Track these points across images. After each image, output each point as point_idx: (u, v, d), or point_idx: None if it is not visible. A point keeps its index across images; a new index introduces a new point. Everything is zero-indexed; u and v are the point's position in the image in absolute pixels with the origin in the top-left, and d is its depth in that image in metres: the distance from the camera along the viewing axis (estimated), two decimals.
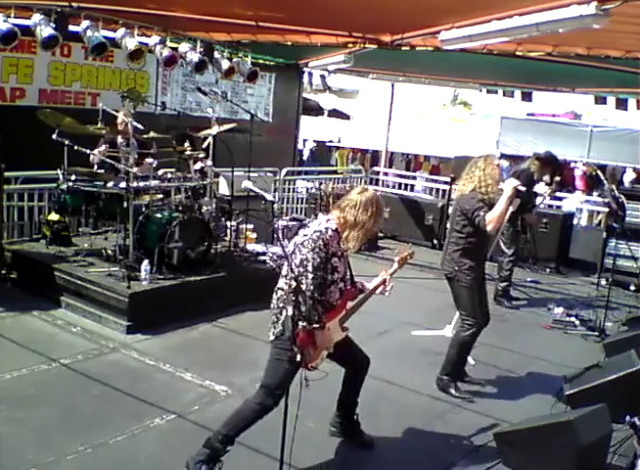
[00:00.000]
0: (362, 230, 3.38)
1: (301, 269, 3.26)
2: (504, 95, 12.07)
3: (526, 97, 11.74)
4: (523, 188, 4.62)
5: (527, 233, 7.63)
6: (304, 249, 3.28)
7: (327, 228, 3.35)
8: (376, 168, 13.41)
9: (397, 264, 4.01)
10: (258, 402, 3.42)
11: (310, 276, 3.24)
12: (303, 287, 3.21)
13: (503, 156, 16.46)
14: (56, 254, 6.35)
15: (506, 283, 7.32)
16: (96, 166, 6.37)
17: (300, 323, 3.17)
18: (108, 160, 6.08)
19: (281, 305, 3.37)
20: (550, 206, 9.97)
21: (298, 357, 3.16)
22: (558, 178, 7.64)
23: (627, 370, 4.29)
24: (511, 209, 4.77)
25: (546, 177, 7.51)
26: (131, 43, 6.46)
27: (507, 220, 6.92)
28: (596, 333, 6.29)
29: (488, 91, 12.27)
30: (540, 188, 7.63)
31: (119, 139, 6.25)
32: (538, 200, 7.61)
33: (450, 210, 9.83)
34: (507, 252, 7.28)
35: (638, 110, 10.73)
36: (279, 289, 3.41)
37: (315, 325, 3.17)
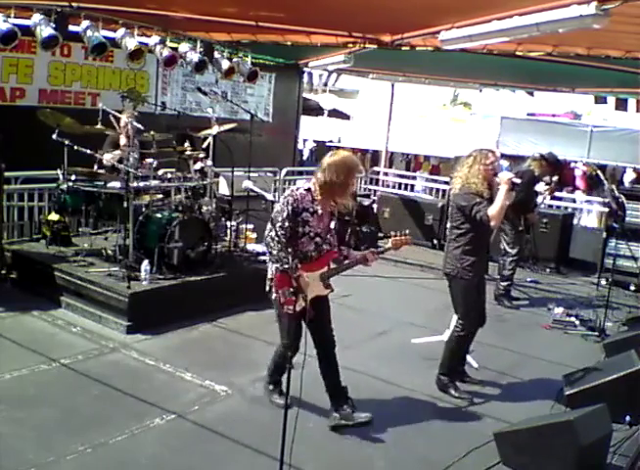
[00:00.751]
0: (335, 187, 3.85)
1: (274, 221, 3.85)
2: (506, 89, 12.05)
3: (529, 93, 11.74)
4: (517, 180, 4.61)
5: (530, 232, 7.63)
6: (279, 204, 3.91)
7: (299, 188, 3.97)
8: (376, 168, 13.40)
9: (391, 245, 4.12)
10: (279, 353, 4.19)
11: (278, 225, 3.82)
12: (272, 233, 3.83)
13: (503, 156, 16.46)
14: (56, 254, 6.35)
15: (507, 282, 7.32)
16: (96, 167, 6.38)
17: (274, 265, 3.86)
18: (120, 165, 6.03)
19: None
20: (550, 206, 9.96)
21: (281, 300, 3.83)
22: (556, 178, 7.65)
23: (627, 370, 4.29)
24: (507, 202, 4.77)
25: (546, 177, 7.53)
26: (131, 43, 6.46)
27: (509, 220, 6.94)
28: (596, 333, 6.29)
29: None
30: (539, 187, 7.64)
31: (122, 140, 6.26)
32: (539, 199, 7.63)
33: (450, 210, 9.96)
34: (510, 251, 7.27)
35: (638, 112, 10.74)
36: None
37: (286, 266, 3.76)
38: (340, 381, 4.15)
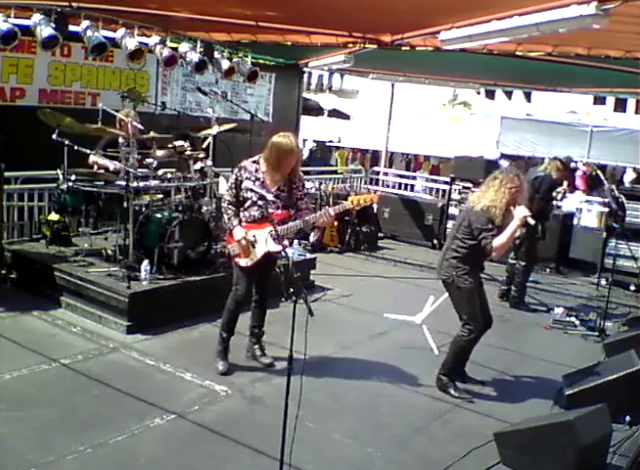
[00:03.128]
0: (271, 162, 4.49)
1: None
2: (504, 93, 12.07)
3: (526, 97, 11.74)
4: (532, 221, 4.60)
5: (546, 238, 7.55)
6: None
7: (247, 160, 4.63)
8: (376, 168, 13.41)
9: (349, 204, 4.55)
10: (231, 296, 4.80)
11: (225, 193, 4.67)
12: (223, 199, 4.65)
13: (503, 156, 16.46)
14: (56, 254, 6.35)
15: (521, 290, 7.25)
16: (96, 167, 6.38)
17: (224, 226, 4.70)
18: (134, 171, 6.00)
19: None
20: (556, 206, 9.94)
21: (230, 253, 4.66)
22: (566, 183, 7.55)
23: (627, 370, 4.30)
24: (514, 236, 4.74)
25: (563, 186, 7.42)
26: (131, 43, 6.46)
27: (527, 230, 6.74)
28: (596, 333, 6.29)
29: (487, 93, 12.27)
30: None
31: (120, 139, 6.25)
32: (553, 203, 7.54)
33: (451, 210, 9.97)
34: (525, 259, 7.18)
35: (637, 114, 10.75)
36: None
37: (230, 226, 4.56)
38: (263, 324, 5.01)
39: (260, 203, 4.53)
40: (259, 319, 5.01)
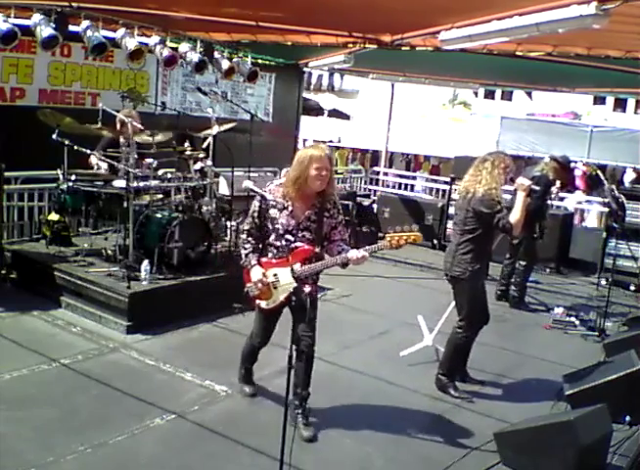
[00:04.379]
0: (299, 181, 3.75)
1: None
2: (502, 98, 12.09)
3: (528, 95, 11.75)
4: (536, 187, 4.63)
5: (544, 237, 7.56)
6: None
7: (271, 183, 3.98)
8: (376, 168, 13.41)
9: (388, 244, 3.74)
10: (248, 338, 4.33)
11: (244, 222, 4.02)
12: (241, 230, 4.03)
13: None
14: (56, 254, 6.35)
15: (521, 289, 7.26)
16: (96, 167, 6.39)
17: (241, 262, 3.98)
18: (134, 171, 5.99)
19: None
20: (550, 206, 9.95)
21: (250, 293, 3.95)
22: (558, 182, 7.57)
23: (627, 370, 4.29)
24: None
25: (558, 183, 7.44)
26: (131, 43, 6.46)
27: (525, 229, 6.78)
28: (596, 333, 6.29)
29: (486, 93, 12.27)
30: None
31: (121, 139, 6.25)
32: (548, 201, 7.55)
33: (451, 210, 9.96)
34: (524, 259, 7.19)
35: (636, 114, 10.76)
36: None
37: (241, 262, 3.96)
38: (308, 383, 3.97)
39: (288, 236, 3.85)
40: (303, 375, 3.94)
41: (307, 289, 3.67)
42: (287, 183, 3.82)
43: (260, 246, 3.95)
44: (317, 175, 3.71)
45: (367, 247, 3.78)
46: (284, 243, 3.86)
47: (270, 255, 3.91)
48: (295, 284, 3.75)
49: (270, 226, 3.87)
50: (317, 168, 3.69)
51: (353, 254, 3.75)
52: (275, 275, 3.86)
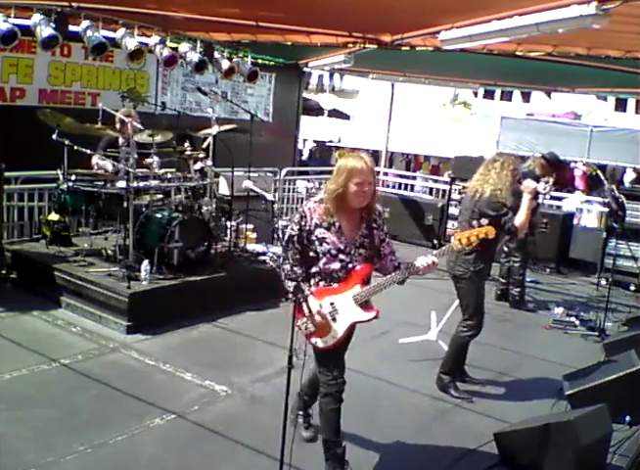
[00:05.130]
0: (341, 194, 3.27)
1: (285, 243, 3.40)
2: (501, 98, 12.08)
3: (525, 98, 11.75)
4: (541, 190, 4.65)
5: (535, 235, 7.58)
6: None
7: (309, 200, 3.46)
8: (376, 168, 13.39)
9: (458, 243, 3.43)
10: (324, 394, 3.43)
11: (282, 249, 3.40)
12: (281, 259, 3.40)
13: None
14: (56, 254, 6.35)
15: (520, 288, 7.28)
16: (96, 167, 6.39)
17: (289, 296, 3.31)
18: (134, 171, 5.99)
19: None
20: (550, 206, 9.96)
21: (303, 330, 3.30)
22: (550, 179, 7.57)
23: (627, 370, 4.29)
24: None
25: (545, 178, 7.47)
26: (131, 43, 6.46)
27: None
28: (596, 333, 6.29)
29: (485, 93, 12.26)
30: (540, 187, 7.60)
31: (121, 139, 6.26)
32: (539, 199, 7.58)
33: (451, 210, 9.96)
34: (517, 256, 7.23)
35: (637, 114, 10.75)
36: None
37: (290, 296, 3.27)
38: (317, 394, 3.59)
39: (342, 256, 3.32)
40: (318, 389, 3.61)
41: (372, 314, 3.35)
42: (327, 198, 3.34)
43: (304, 273, 3.37)
44: (358, 191, 3.24)
45: (434, 251, 3.41)
46: (338, 265, 3.33)
47: (318, 281, 3.37)
48: (358, 311, 3.33)
49: (318, 249, 3.32)
50: (358, 184, 3.23)
51: (422, 261, 3.31)
52: (332, 304, 3.32)
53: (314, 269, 3.35)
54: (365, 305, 3.35)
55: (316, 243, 3.32)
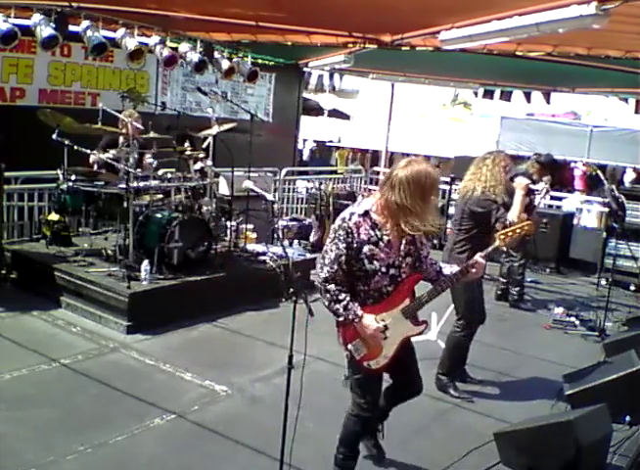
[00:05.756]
0: (412, 210, 2.95)
1: (321, 260, 3.10)
2: (501, 98, 12.08)
3: (526, 98, 11.75)
4: (535, 187, 4.65)
5: (535, 234, 7.58)
6: (328, 238, 3.11)
7: (352, 214, 3.05)
8: (376, 168, 13.39)
9: (502, 243, 3.33)
10: (354, 414, 3.35)
11: (326, 269, 3.04)
12: (320, 278, 3.07)
13: None
14: (56, 254, 6.35)
15: (519, 288, 7.29)
16: (96, 167, 6.39)
17: (339, 319, 3.14)
18: (134, 171, 5.98)
19: None
20: (550, 206, 9.97)
21: (356, 356, 3.18)
22: (546, 178, 7.57)
23: (627, 370, 4.29)
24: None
25: (545, 178, 7.48)
26: (131, 43, 6.46)
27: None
28: (596, 333, 6.29)
29: (485, 93, 12.25)
30: (538, 187, 7.61)
31: (121, 139, 6.26)
32: (536, 199, 7.59)
33: (450, 210, 9.95)
34: (516, 256, 7.24)
35: (637, 113, 10.74)
36: None
37: (340, 318, 3.11)
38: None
39: (392, 271, 3.11)
40: (393, 404, 3.64)
41: (423, 326, 3.25)
42: (392, 208, 3.00)
43: (351, 292, 3.13)
44: (435, 204, 3.00)
45: (480, 252, 3.27)
46: (387, 281, 3.12)
47: (364, 299, 3.14)
48: (408, 325, 3.19)
49: (367, 266, 3.06)
50: (436, 195, 3.03)
51: (472, 263, 3.18)
52: (382, 320, 3.13)
53: (361, 287, 3.13)
54: (414, 317, 3.21)
55: (365, 261, 3.06)
